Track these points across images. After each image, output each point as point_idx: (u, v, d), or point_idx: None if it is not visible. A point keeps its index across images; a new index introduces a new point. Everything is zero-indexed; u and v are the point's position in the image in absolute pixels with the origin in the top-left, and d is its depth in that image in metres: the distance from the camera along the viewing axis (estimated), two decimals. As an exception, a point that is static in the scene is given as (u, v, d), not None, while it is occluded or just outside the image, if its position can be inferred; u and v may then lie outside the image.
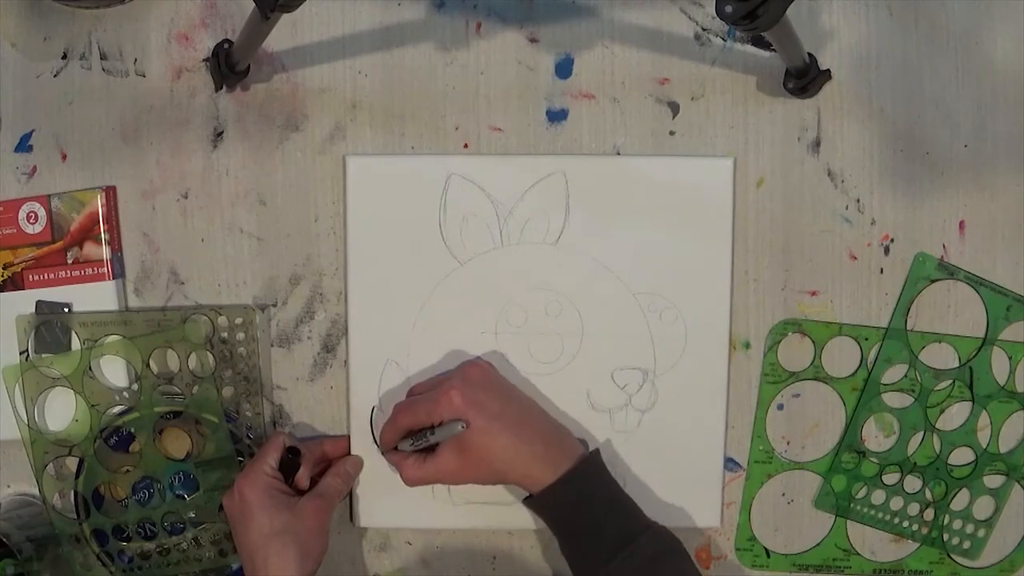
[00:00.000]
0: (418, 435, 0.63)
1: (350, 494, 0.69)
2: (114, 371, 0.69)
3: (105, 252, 0.68)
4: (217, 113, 0.69)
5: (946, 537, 0.70)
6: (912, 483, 0.69)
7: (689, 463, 0.67)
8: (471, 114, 0.68)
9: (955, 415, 0.69)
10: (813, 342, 0.68)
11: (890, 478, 0.69)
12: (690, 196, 0.66)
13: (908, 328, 0.68)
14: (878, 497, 0.69)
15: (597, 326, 0.67)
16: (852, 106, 0.67)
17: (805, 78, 0.64)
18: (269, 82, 0.68)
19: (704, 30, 0.67)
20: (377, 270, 0.67)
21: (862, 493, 0.69)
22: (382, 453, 0.67)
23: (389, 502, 0.69)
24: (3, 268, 0.69)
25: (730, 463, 0.69)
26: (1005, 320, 0.68)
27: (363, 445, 0.69)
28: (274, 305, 0.69)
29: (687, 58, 0.67)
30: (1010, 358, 0.68)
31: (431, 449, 0.62)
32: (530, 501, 0.62)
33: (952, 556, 0.70)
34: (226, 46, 0.65)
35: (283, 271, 0.69)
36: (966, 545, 0.70)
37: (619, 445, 0.68)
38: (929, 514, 0.69)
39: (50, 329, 0.68)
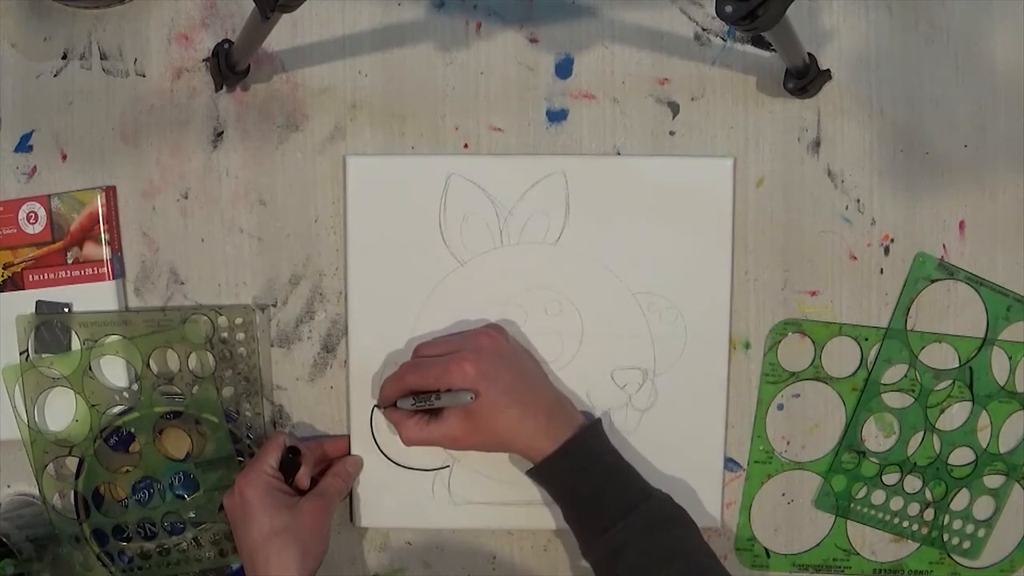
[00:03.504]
0: (421, 396, 0.62)
1: (350, 494, 0.69)
2: (114, 371, 0.69)
3: (105, 252, 0.68)
4: (217, 113, 0.69)
5: (946, 537, 0.70)
6: (912, 483, 0.69)
7: (689, 463, 0.67)
8: (471, 114, 0.68)
9: (955, 415, 0.69)
10: (813, 342, 0.68)
11: (890, 478, 0.69)
12: (690, 196, 0.66)
13: (908, 328, 0.68)
14: (878, 497, 0.69)
15: (597, 326, 0.67)
16: (852, 106, 0.67)
17: (805, 78, 0.64)
18: (269, 82, 0.68)
19: (704, 30, 0.67)
20: (377, 270, 0.67)
21: (862, 493, 0.69)
22: (379, 408, 0.66)
23: (389, 502, 0.69)
24: (3, 268, 0.69)
25: (730, 463, 0.69)
26: (1005, 320, 0.68)
27: (363, 445, 0.69)
28: (274, 305, 0.69)
29: (687, 58, 0.67)
30: (1010, 358, 0.68)
31: (432, 412, 0.62)
32: (532, 472, 0.62)
33: (952, 556, 0.70)
34: (226, 46, 0.65)
35: (283, 271, 0.69)
36: (966, 545, 0.70)
37: (619, 445, 0.67)
38: (929, 514, 0.69)
39: (50, 329, 0.68)
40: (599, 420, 0.63)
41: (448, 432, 0.61)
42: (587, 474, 0.61)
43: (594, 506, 0.60)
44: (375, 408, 0.68)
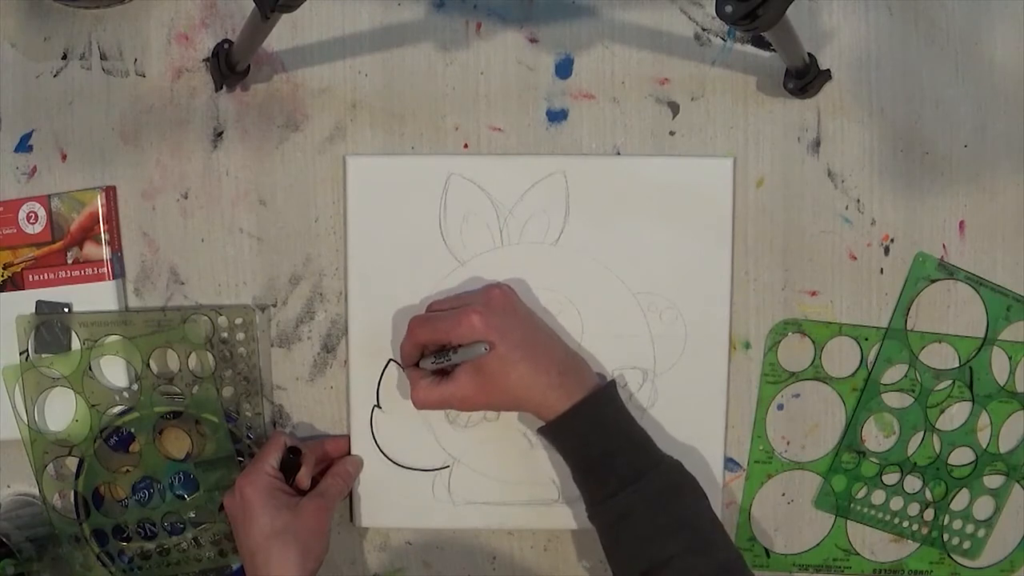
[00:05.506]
0: (439, 354, 0.62)
1: (350, 494, 0.69)
2: (114, 371, 0.69)
3: (105, 252, 0.68)
4: (217, 113, 0.69)
5: (946, 537, 0.70)
6: (912, 483, 0.69)
7: (689, 463, 0.67)
8: (471, 114, 0.68)
9: (955, 415, 0.69)
10: (813, 342, 0.68)
11: (890, 478, 0.69)
12: (690, 196, 0.66)
13: (908, 328, 0.68)
14: (878, 497, 0.69)
15: (597, 326, 0.67)
16: (852, 106, 0.67)
17: (805, 78, 0.64)
18: (269, 82, 0.68)
19: (704, 30, 0.67)
20: (377, 270, 0.67)
21: (862, 493, 0.69)
22: (402, 368, 0.66)
23: (389, 502, 0.69)
24: (3, 268, 0.69)
25: (730, 463, 0.69)
26: (1005, 320, 0.68)
27: (363, 445, 0.69)
28: (274, 305, 0.69)
29: (687, 58, 0.67)
30: (1010, 358, 0.68)
31: (445, 373, 0.62)
32: (544, 430, 0.61)
33: (952, 556, 0.70)
34: (226, 46, 0.65)
35: (283, 271, 0.69)
36: (966, 545, 0.70)
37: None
38: (929, 514, 0.69)
39: (50, 329, 0.68)
40: (613, 382, 0.63)
41: (458, 391, 0.60)
42: (598, 436, 0.60)
43: (604, 469, 0.59)
44: (374, 408, 0.68)
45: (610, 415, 0.61)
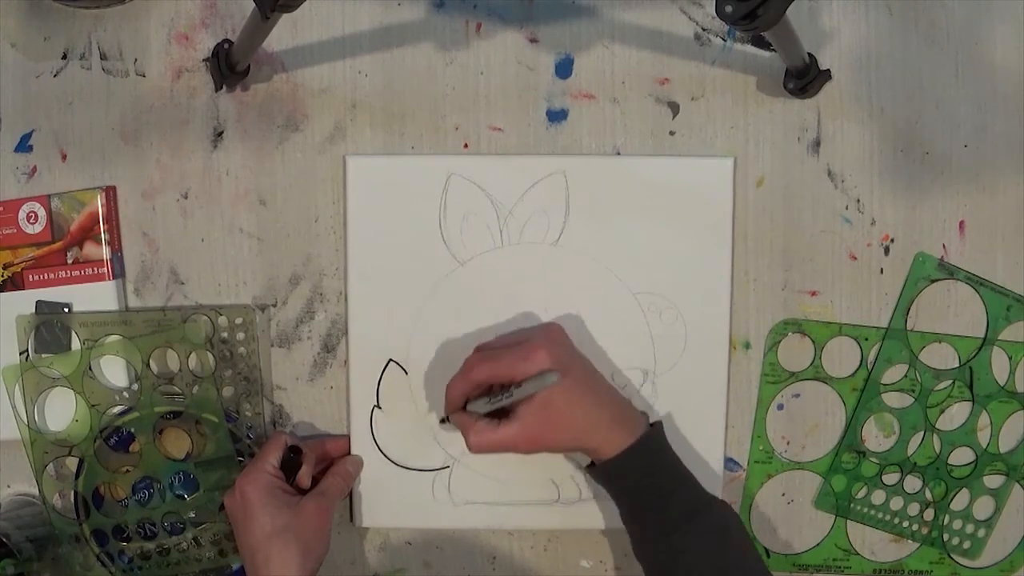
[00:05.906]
0: (496, 394, 0.60)
1: (350, 494, 0.69)
2: (114, 371, 0.69)
3: (105, 252, 0.68)
4: (217, 113, 0.69)
5: (946, 537, 0.70)
6: (912, 483, 0.69)
7: (689, 463, 0.67)
8: (471, 114, 0.68)
9: (955, 415, 0.69)
10: (813, 342, 0.68)
11: (890, 478, 0.69)
12: (690, 196, 0.66)
13: (908, 328, 0.68)
14: (878, 497, 0.69)
15: (597, 326, 0.67)
16: (852, 106, 0.67)
17: (805, 78, 0.64)
18: (269, 82, 0.68)
19: (704, 30, 0.67)
20: (377, 270, 0.67)
21: (862, 493, 0.69)
22: (443, 421, 0.65)
23: (389, 502, 0.69)
24: (3, 268, 0.69)
25: (730, 463, 0.69)
26: (1005, 320, 0.68)
27: (363, 445, 0.69)
28: (274, 305, 0.69)
29: (687, 58, 0.67)
30: (1010, 358, 0.68)
31: (500, 414, 0.60)
32: (595, 469, 0.61)
33: (952, 556, 0.70)
34: (226, 46, 0.65)
35: (283, 271, 0.69)
36: (966, 545, 0.70)
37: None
38: (929, 514, 0.69)
39: (50, 329, 0.68)
40: (660, 423, 0.63)
41: (524, 431, 0.59)
42: (657, 474, 0.60)
43: (658, 509, 0.60)
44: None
45: (665, 453, 0.61)
